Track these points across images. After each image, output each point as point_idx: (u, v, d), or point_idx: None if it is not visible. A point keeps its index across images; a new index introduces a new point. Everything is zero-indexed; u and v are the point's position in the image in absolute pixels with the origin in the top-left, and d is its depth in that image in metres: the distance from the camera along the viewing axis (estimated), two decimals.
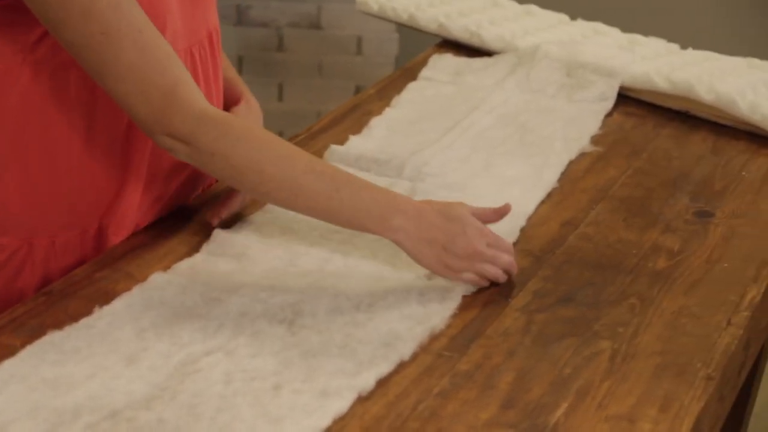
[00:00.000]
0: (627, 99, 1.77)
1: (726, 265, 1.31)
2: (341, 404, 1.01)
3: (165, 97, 1.14)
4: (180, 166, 1.33)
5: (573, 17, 2.13)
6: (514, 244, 1.32)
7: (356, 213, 1.17)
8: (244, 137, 1.16)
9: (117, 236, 1.28)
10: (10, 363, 1.02)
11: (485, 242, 1.21)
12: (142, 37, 1.13)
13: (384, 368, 1.07)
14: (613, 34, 2.03)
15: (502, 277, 1.23)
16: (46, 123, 1.21)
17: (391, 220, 1.17)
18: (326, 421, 0.99)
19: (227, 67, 1.45)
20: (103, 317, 1.11)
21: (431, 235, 1.18)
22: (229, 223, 1.33)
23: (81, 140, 1.22)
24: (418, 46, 2.15)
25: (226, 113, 1.19)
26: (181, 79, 1.15)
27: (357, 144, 1.56)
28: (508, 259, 1.23)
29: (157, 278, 1.19)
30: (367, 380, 1.05)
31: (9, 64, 1.18)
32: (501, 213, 1.25)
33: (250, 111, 1.41)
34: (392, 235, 1.18)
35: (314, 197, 1.16)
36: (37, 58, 1.18)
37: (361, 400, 1.03)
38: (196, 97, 1.16)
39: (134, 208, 1.29)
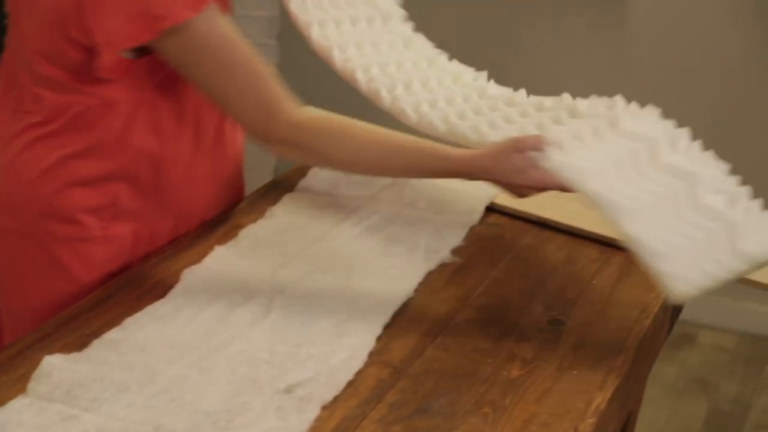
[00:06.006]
0: (489, 210, 1.84)
1: (575, 372, 1.37)
2: None
3: (269, 108, 1.47)
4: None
5: None
6: (371, 354, 1.37)
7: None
8: (341, 134, 1.50)
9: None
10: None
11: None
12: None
13: None
14: None
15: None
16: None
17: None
18: None
19: None
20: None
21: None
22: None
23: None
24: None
25: (319, 114, 1.50)
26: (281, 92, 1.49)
27: (214, 262, 1.59)
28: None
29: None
30: None
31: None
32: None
33: None
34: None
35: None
36: None
37: None
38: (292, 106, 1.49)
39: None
